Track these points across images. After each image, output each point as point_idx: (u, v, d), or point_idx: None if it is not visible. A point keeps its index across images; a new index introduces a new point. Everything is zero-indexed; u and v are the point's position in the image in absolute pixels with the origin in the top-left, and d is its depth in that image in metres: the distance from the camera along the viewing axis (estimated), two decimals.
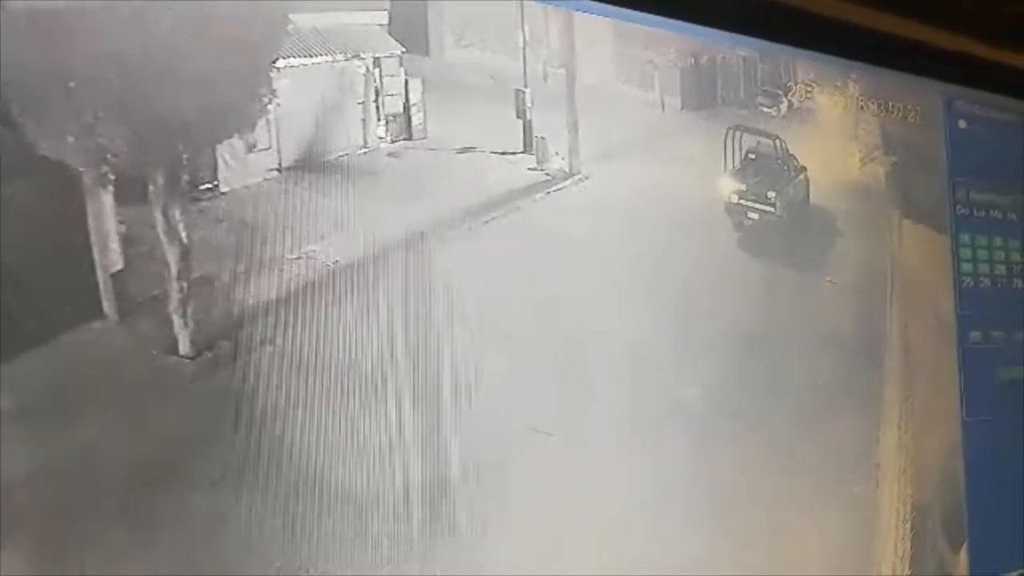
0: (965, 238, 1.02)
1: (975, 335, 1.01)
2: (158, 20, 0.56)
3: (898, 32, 0.97)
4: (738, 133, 0.82)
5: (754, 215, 0.77)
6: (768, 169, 0.81)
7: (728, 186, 0.75)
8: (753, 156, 0.80)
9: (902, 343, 0.96)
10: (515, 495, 0.68)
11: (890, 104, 0.99)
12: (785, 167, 0.82)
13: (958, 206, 1.02)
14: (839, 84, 0.95)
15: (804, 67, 0.92)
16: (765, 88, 0.89)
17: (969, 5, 0.96)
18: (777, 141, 0.86)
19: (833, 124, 0.95)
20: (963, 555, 0.97)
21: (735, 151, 0.81)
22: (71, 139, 0.53)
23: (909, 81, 1.00)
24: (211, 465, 0.56)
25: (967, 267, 1.02)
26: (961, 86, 1.04)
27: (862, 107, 0.97)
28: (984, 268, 1.03)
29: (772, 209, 0.78)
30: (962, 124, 1.04)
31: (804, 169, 0.87)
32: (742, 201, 0.77)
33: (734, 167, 0.78)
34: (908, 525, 0.93)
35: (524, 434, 0.70)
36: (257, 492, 0.57)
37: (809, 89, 0.93)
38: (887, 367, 0.95)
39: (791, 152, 0.86)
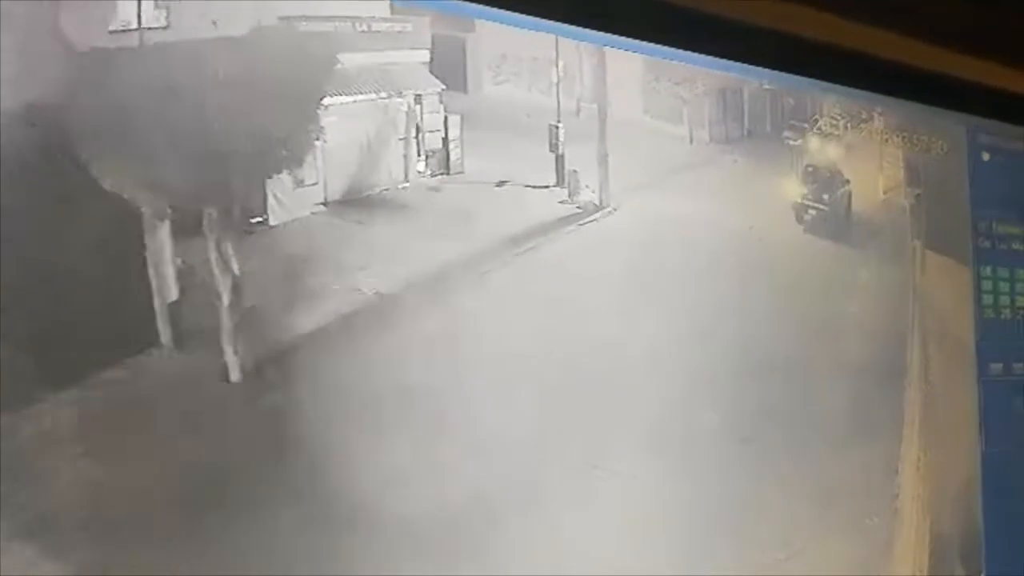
0: (987, 270, 1.03)
1: (995, 367, 1.01)
2: (213, 62, 0.59)
3: (923, 64, 0.98)
4: (799, 151, 0.96)
5: (813, 211, 0.94)
6: (822, 179, 0.95)
7: (795, 190, 0.93)
8: (811, 168, 0.95)
9: (923, 373, 0.97)
10: (546, 518, 0.71)
11: (915, 137, 1.00)
12: (834, 179, 0.97)
13: (980, 238, 1.03)
14: (864, 117, 0.97)
15: (830, 101, 0.94)
16: (791, 122, 0.91)
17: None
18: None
19: (858, 156, 0.97)
20: None
21: (798, 164, 0.95)
22: (132, 176, 0.56)
23: (933, 114, 1.01)
24: (258, 484, 0.59)
25: (988, 299, 1.03)
26: (985, 118, 1.05)
27: (887, 140, 0.99)
28: (1005, 300, 1.04)
29: (826, 208, 0.95)
30: (985, 156, 1.05)
31: (848, 182, 0.98)
32: (804, 201, 0.94)
33: (798, 176, 0.94)
34: (926, 554, 0.94)
35: (555, 460, 0.72)
36: (300, 511, 0.60)
37: (835, 122, 0.94)
38: (907, 396, 0.96)
39: (838, 167, 0.98)
